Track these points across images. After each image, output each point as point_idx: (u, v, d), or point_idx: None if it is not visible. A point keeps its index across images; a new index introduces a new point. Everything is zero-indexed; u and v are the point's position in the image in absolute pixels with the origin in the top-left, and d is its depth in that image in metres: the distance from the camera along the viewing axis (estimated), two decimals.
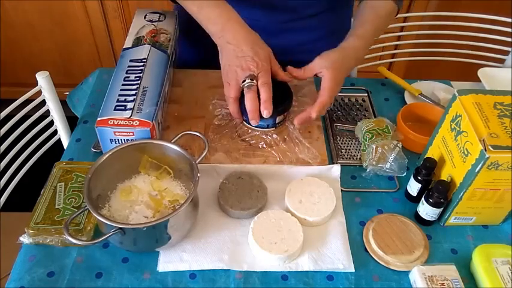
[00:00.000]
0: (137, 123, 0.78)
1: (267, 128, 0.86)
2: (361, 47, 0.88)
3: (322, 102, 0.81)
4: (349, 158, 0.90)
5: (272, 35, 1.03)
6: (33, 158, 1.09)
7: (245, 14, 0.99)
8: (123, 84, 0.84)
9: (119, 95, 0.82)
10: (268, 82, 0.78)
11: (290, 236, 0.74)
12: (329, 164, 0.87)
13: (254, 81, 0.77)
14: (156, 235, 0.71)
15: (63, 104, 1.08)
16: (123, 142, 0.79)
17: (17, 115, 1.01)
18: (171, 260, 0.73)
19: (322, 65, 0.83)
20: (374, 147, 0.84)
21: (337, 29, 0.99)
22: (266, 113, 0.78)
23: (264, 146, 0.88)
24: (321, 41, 1.06)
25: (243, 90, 0.79)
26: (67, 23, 1.89)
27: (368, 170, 0.86)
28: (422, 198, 0.78)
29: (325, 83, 0.81)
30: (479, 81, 1.07)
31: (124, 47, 0.92)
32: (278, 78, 0.83)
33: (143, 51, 0.91)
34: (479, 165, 0.69)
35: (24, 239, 0.74)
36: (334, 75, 0.82)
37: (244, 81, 0.77)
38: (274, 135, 0.88)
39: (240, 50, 0.79)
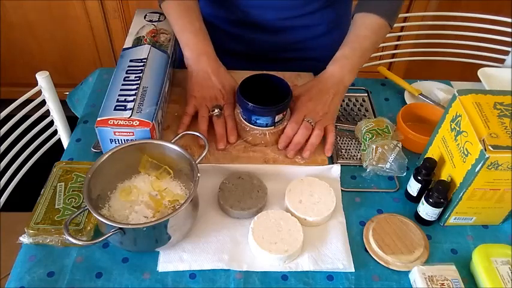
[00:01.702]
0: (137, 123, 0.78)
1: (266, 126, 0.86)
2: (337, 71, 0.90)
3: (291, 121, 0.86)
4: (349, 158, 0.90)
5: (272, 33, 1.03)
6: (33, 158, 1.09)
7: (245, 12, 0.99)
8: (123, 84, 0.84)
9: (119, 95, 0.82)
10: (232, 114, 0.89)
11: (290, 236, 0.74)
12: (329, 164, 0.87)
13: (222, 110, 0.88)
14: (156, 235, 0.71)
15: (63, 104, 1.08)
16: (123, 142, 0.79)
17: (17, 115, 1.01)
18: (171, 260, 0.73)
19: (296, 93, 0.89)
20: (374, 147, 0.84)
21: (336, 25, 0.99)
22: (232, 138, 0.88)
23: (264, 145, 0.88)
24: (321, 37, 1.06)
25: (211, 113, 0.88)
26: (67, 23, 1.89)
27: (368, 170, 0.86)
28: (422, 198, 0.78)
29: (295, 108, 0.88)
30: (479, 81, 1.06)
31: (124, 47, 0.92)
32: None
33: (143, 51, 0.91)
34: (479, 165, 0.69)
35: (24, 239, 0.74)
36: (302, 103, 0.88)
37: (213, 110, 0.88)
38: (274, 135, 0.88)
39: (210, 81, 0.89)
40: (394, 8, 0.95)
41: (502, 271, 0.71)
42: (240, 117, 0.88)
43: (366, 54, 0.94)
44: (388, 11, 0.94)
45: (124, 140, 0.79)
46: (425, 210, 0.78)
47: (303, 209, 0.78)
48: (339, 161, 0.89)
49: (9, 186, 1.06)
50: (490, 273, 0.70)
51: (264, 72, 0.90)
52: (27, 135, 1.06)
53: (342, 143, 0.93)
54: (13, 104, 0.98)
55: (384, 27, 0.94)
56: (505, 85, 1.05)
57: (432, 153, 0.83)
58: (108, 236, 0.66)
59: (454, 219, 0.79)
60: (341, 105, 1.01)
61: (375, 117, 0.98)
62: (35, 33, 1.92)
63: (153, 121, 0.78)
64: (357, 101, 1.02)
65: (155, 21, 0.99)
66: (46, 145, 1.11)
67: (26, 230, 0.74)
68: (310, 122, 0.86)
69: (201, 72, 0.89)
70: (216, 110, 0.87)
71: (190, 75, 0.91)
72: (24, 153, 1.07)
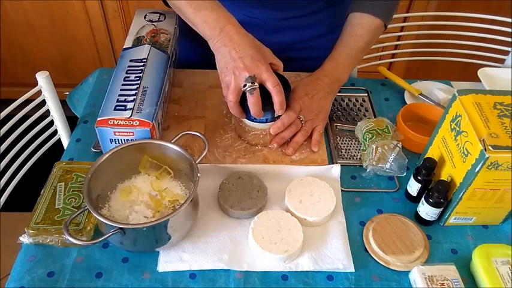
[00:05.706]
0: (137, 123, 0.78)
1: (266, 122, 0.85)
2: (333, 68, 0.91)
3: (288, 110, 0.84)
4: (349, 158, 0.90)
5: (272, 33, 1.03)
6: (33, 158, 1.09)
7: (245, 12, 0.99)
8: (123, 84, 0.84)
9: (119, 95, 0.82)
10: (278, 83, 0.78)
11: (290, 236, 0.74)
12: (329, 164, 0.87)
13: (255, 83, 0.77)
14: (156, 235, 0.71)
15: (63, 104, 1.08)
16: (123, 142, 0.79)
17: (17, 115, 1.01)
18: (171, 260, 0.73)
19: (292, 86, 0.88)
20: (374, 147, 0.84)
21: (337, 25, 0.99)
22: (282, 112, 0.81)
23: (264, 145, 0.88)
24: (321, 37, 1.06)
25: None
26: (67, 23, 1.89)
27: (368, 170, 0.86)
28: (422, 198, 0.78)
29: (290, 99, 0.86)
30: (479, 81, 1.06)
31: (124, 47, 0.92)
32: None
33: (143, 51, 0.91)
34: (479, 165, 0.69)
35: (24, 239, 0.74)
36: (298, 97, 0.87)
37: (245, 85, 0.77)
38: None
39: (237, 51, 0.78)
40: (390, 9, 0.96)
41: (502, 271, 0.71)
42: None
43: (360, 55, 0.95)
44: (384, 11, 0.94)
45: (124, 140, 0.79)
46: (425, 210, 0.78)
47: (303, 209, 0.78)
48: (339, 161, 0.89)
49: (9, 186, 1.06)
50: (490, 273, 0.70)
51: None
52: (27, 135, 1.06)
53: (342, 143, 0.93)
54: (13, 104, 0.98)
55: (379, 28, 0.95)
56: (505, 85, 1.05)
57: (432, 153, 0.83)
58: (108, 236, 0.66)
59: (454, 219, 0.79)
60: (341, 105, 1.01)
61: (375, 117, 0.98)
62: (35, 33, 1.92)
63: (153, 121, 0.79)
64: (357, 101, 1.03)
65: (155, 21, 0.99)
66: (46, 145, 1.11)
67: (26, 230, 0.74)
68: (301, 120, 0.87)
69: (226, 47, 0.79)
70: (248, 85, 0.76)
71: (216, 58, 0.81)
72: (24, 153, 1.07)
